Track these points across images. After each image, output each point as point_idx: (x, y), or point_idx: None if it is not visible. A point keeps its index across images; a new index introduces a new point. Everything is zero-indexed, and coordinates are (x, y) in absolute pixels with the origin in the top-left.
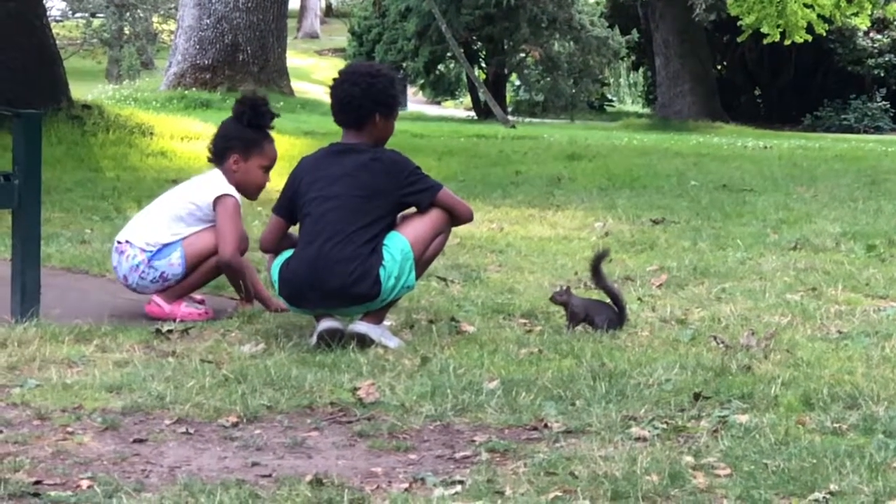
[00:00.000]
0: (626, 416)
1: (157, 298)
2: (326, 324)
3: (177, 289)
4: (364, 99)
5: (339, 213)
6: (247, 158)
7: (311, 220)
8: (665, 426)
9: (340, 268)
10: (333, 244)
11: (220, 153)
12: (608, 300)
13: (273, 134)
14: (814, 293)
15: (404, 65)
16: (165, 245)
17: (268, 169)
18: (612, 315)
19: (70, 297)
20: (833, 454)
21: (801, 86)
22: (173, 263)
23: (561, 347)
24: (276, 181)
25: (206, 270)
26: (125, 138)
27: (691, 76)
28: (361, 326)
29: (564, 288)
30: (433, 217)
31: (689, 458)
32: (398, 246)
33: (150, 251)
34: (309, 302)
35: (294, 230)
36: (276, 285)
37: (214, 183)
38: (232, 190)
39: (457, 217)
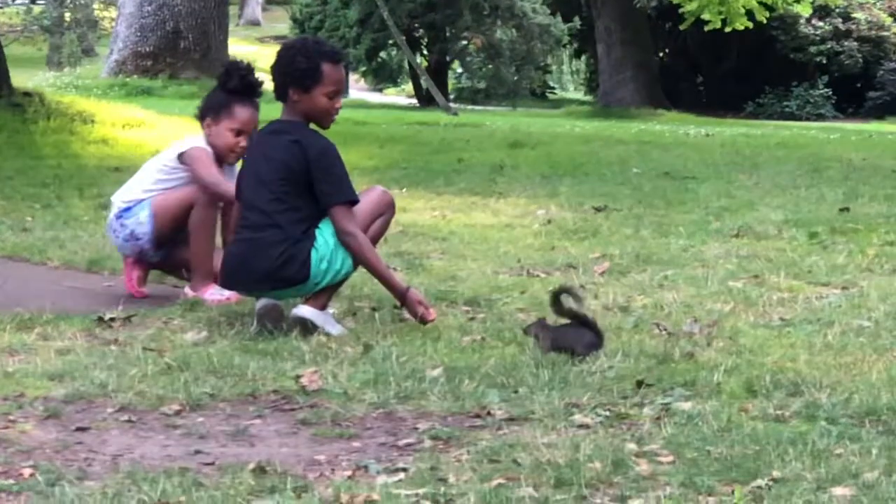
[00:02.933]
0: (569, 404)
1: (187, 289)
2: (263, 301)
3: (197, 268)
4: (276, 74)
5: (267, 196)
6: (217, 121)
7: (244, 204)
8: (608, 413)
9: (269, 251)
10: (263, 227)
11: (199, 117)
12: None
13: None
14: (756, 280)
15: (346, 52)
16: (136, 202)
17: (239, 133)
18: (591, 338)
19: (11, 285)
20: (776, 441)
21: (743, 73)
22: (141, 221)
23: (504, 335)
24: None
25: (197, 234)
26: (66, 126)
27: (633, 64)
28: (304, 311)
29: (538, 320)
30: (372, 199)
31: (632, 446)
32: (333, 229)
33: (121, 207)
34: (241, 285)
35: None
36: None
37: (185, 142)
38: (202, 144)
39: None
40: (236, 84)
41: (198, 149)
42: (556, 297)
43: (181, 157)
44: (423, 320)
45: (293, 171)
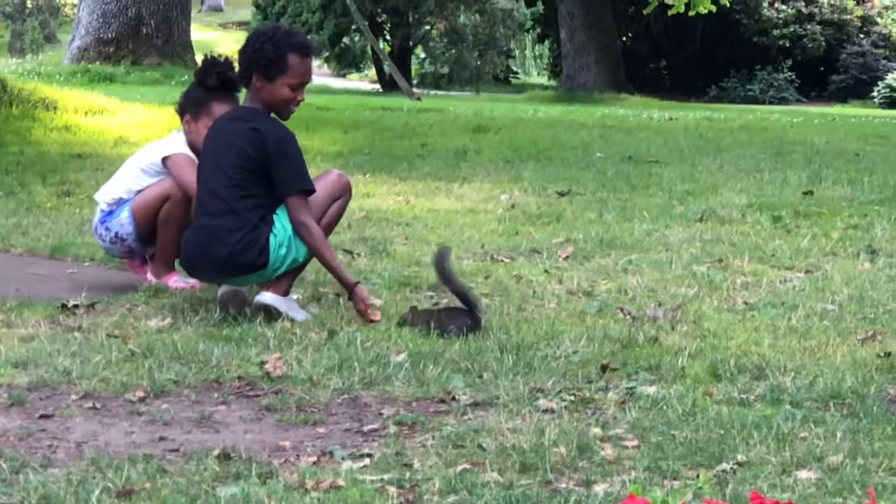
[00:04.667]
0: (534, 389)
1: (149, 276)
2: (224, 287)
3: (160, 258)
4: (242, 59)
5: (224, 182)
6: (196, 119)
7: (202, 190)
8: (573, 398)
9: (227, 238)
10: (221, 214)
11: (179, 114)
12: (460, 303)
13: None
14: (720, 264)
15: (309, 38)
16: (118, 206)
17: None
18: (466, 320)
19: None
20: (740, 425)
21: (706, 57)
22: (123, 223)
23: None
24: None
25: (166, 226)
26: (29, 112)
27: (596, 48)
28: (267, 297)
29: (408, 310)
30: (328, 182)
31: (596, 430)
32: None
33: (104, 211)
34: (201, 272)
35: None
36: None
37: (169, 143)
38: (185, 149)
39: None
40: (214, 82)
41: (181, 155)
42: (441, 268)
43: (165, 162)
44: (367, 319)
45: (251, 158)
